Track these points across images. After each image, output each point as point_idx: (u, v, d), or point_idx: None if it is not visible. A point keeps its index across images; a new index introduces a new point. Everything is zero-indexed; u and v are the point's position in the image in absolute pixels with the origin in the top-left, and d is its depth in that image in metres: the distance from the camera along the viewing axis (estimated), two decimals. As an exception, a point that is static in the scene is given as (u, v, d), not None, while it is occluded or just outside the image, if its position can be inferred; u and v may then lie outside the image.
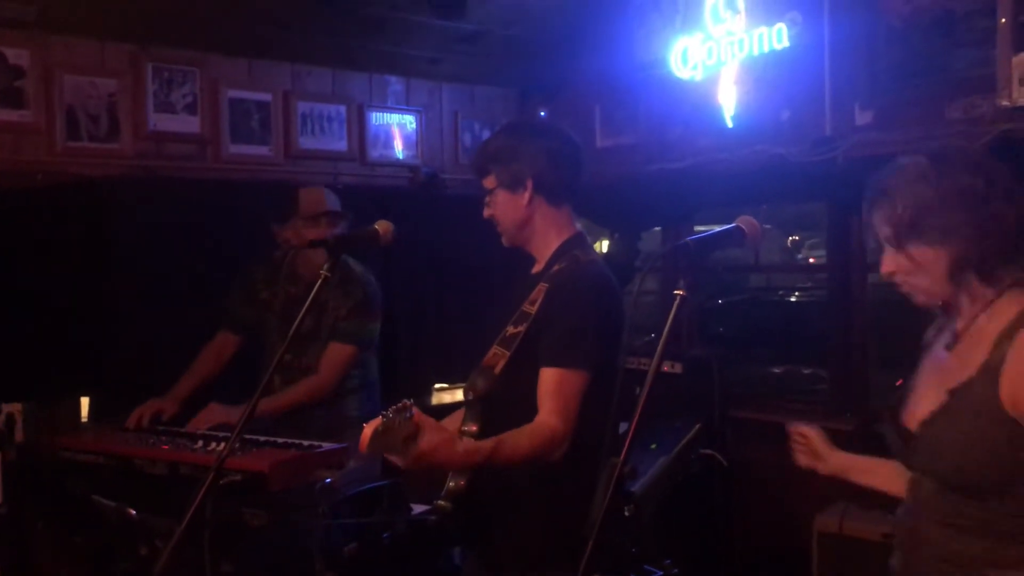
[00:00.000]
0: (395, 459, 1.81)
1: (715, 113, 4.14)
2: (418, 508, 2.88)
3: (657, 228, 4.85)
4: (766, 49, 3.92)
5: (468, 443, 1.88)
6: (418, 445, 1.78)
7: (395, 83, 4.52)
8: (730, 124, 4.11)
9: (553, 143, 2.27)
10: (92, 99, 3.62)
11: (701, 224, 4.62)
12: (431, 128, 4.66)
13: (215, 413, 3.12)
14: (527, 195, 2.21)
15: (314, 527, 2.49)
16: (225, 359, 3.46)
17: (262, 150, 4.06)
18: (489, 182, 2.26)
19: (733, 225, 1.65)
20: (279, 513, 2.54)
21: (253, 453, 2.71)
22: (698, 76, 4.18)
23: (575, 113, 4.86)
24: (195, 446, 2.82)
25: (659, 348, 1.46)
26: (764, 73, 4.01)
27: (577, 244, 2.26)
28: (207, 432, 3.03)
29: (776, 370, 6.28)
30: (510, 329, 2.13)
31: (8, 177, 3.38)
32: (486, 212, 2.29)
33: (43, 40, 3.52)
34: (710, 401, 4.06)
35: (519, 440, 1.95)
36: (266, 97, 4.08)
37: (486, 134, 4.87)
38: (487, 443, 1.90)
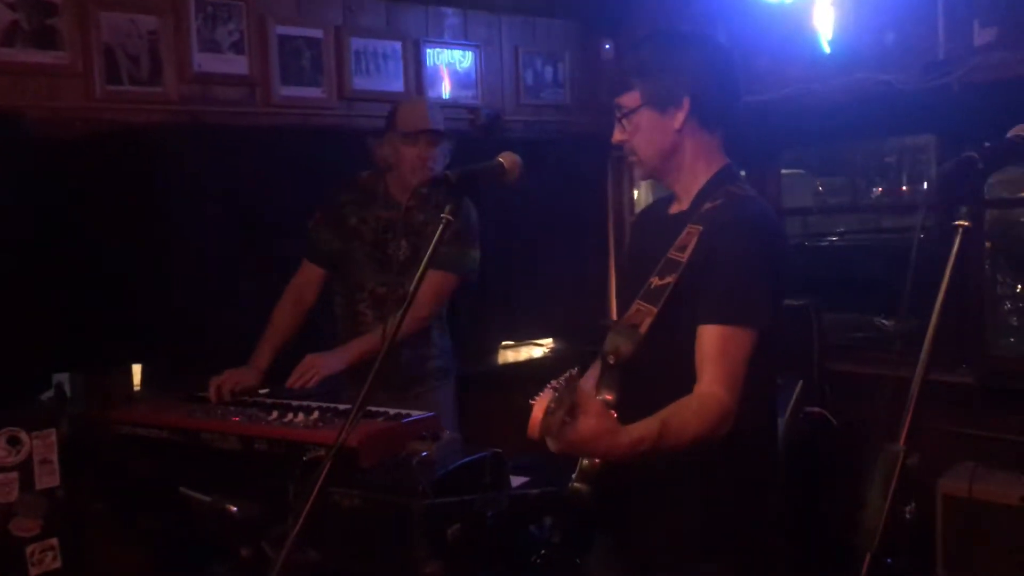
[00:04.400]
0: (549, 443, 1.49)
1: (809, 39, 3.76)
2: (516, 480, 2.61)
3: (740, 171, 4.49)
4: (871, -37, 3.53)
5: (632, 432, 1.55)
6: (575, 429, 1.46)
7: (452, 16, 4.16)
8: (827, 50, 3.73)
9: (714, 54, 1.91)
10: (132, 38, 3.29)
11: (789, 167, 4.26)
12: (490, 65, 4.30)
13: (317, 366, 2.81)
14: (681, 116, 1.85)
15: (415, 508, 2.20)
16: (309, 302, 3.09)
17: (314, 92, 3.72)
18: (630, 100, 1.88)
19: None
20: (374, 493, 2.25)
21: (336, 425, 2.42)
22: (789, -2, 3.80)
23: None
24: (270, 417, 2.52)
25: (940, 295, 1.13)
26: (866, -10, 3.62)
27: (730, 177, 1.92)
28: (280, 401, 2.74)
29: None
30: (655, 281, 1.79)
31: (44, 126, 3.07)
32: (617, 137, 1.92)
33: (75, -26, 3.18)
34: (808, 355, 3.75)
35: (685, 419, 1.63)
36: (317, 33, 3.73)
37: (549, 72, 4.51)
38: (652, 428, 1.58)
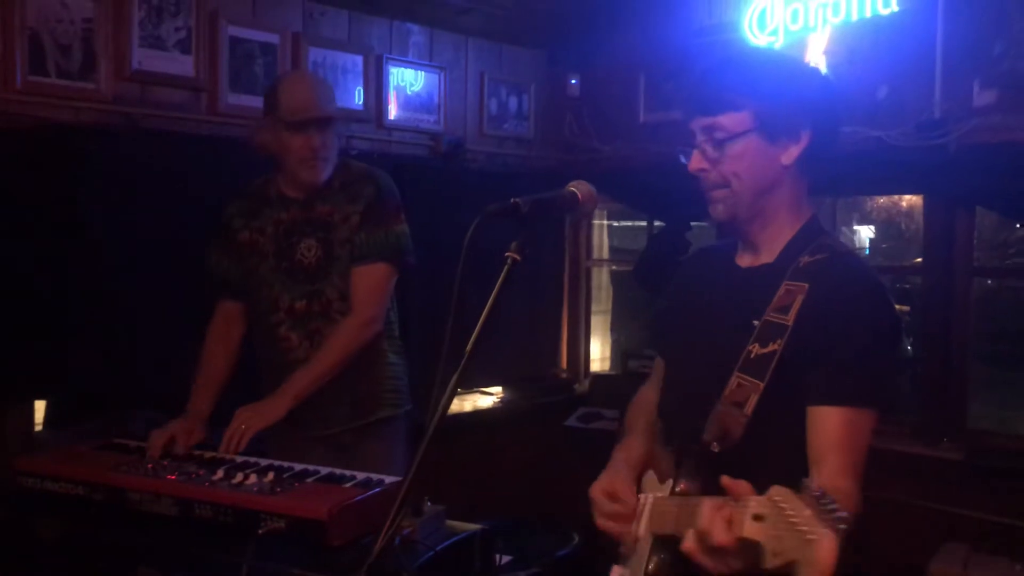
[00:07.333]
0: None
1: (797, 87, 3.59)
2: (504, 558, 2.28)
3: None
4: (868, 13, 3.38)
5: None
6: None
7: (417, 33, 3.85)
8: (816, 99, 3.56)
9: (832, 87, 1.67)
10: (62, 25, 2.86)
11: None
12: (455, 90, 3.99)
13: (250, 420, 2.40)
14: (795, 152, 1.58)
15: (401, 601, 1.84)
16: (237, 339, 2.69)
17: (266, 103, 3.33)
18: (735, 121, 1.56)
19: None
20: (347, 579, 1.88)
21: (296, 490, 2.04)
22: (778, 42, 3.62)
23: (614, 82, 4.27)
24: (214, 477, 2.12)
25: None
26: (860, 42, 3.49)
27: (820, 228, 1.66)
28: (222, 456, 2.33)
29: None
30: (755, 349, 1.49)
31: (-49, 117, 2.62)
32: (698, 164, 1.60)
33: (0, -54, 2.76)
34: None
35: None
36: (273, 38, 3.36)
37: (513, 103, 4.24)
38: None
